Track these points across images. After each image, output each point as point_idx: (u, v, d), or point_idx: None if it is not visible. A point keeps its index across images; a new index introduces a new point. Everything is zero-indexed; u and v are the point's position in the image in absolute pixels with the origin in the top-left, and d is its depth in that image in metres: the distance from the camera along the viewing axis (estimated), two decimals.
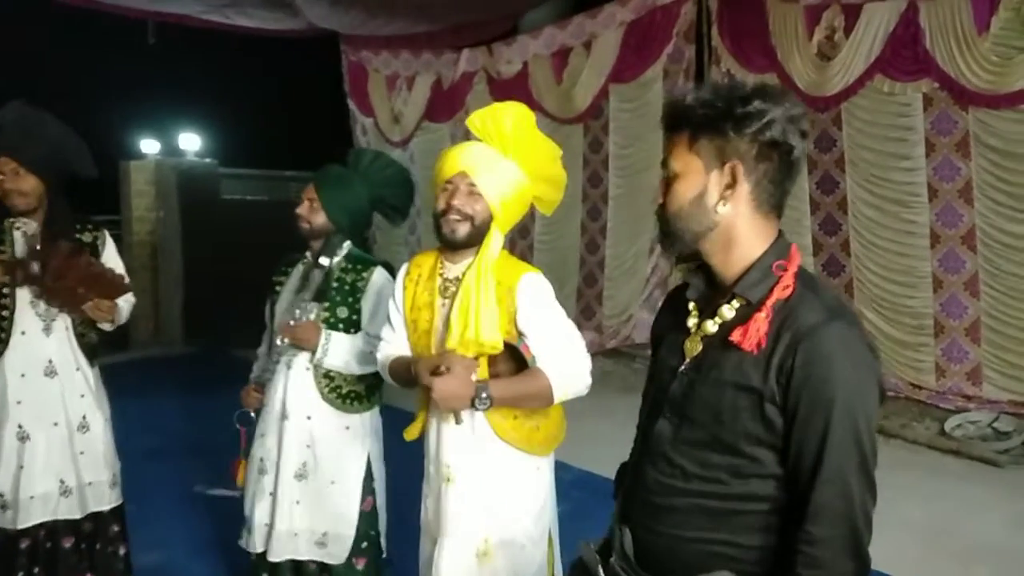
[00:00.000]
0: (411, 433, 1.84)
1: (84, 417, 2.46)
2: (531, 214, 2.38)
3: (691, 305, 1.18)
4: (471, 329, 1.68)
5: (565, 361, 1.72)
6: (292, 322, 2.18)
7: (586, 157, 6.54)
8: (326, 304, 2.20)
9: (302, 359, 2.22)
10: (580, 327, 1.88)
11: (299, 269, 2.34)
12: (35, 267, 2.33)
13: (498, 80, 7.11)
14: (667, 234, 1.14)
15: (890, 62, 4.67)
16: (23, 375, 2.36)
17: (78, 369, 2.45)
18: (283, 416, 2.23)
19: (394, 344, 1.91)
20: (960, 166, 4.52)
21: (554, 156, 1.81)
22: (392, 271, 2.26)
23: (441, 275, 1.81)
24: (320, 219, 2.24)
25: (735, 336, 1.06)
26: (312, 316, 2.19)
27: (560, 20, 6.63)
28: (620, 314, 6.41)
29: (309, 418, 2.22)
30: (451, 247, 1.78)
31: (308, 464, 2.22)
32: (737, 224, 1.10)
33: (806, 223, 5.24)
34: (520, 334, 1.73)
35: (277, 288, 2.36)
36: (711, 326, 1.13)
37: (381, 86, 8.15)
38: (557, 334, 1.74)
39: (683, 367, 1.15)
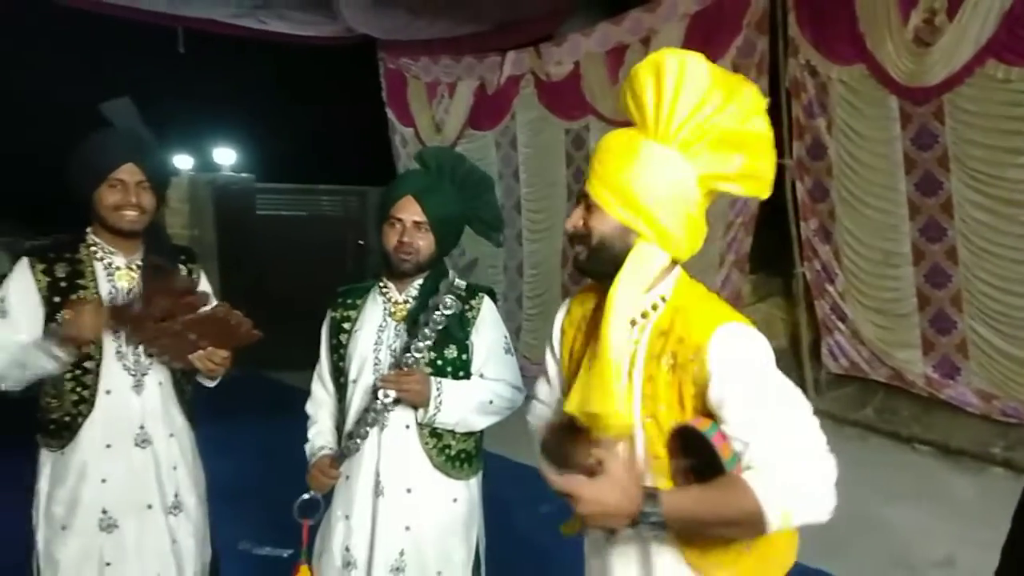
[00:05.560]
0: (569, 528, 1.33)
1: (176, 495, 1.96)
2: None
3: None
4: (585, 397, 1.18)
5: (785, 466, 1.11)
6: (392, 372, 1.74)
7: None
8: (428, 344, 1.74)
9: (400, 416, 1.76)
10: None
11: (376, 302, 1.86)
12: (137, 306, 1.82)
13: (547, 82, 6.67)
14: None
15: (1005, 44, 4.10)
16: (109, 446, 1.86)
17: (172, 435, 1.95)
18: (377, 492, 1.76)
19: (549, 405, 1.45)
20: None
21: (748, 109, 1.20)
22: (495, 299, 1.85)
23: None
24: (430, 245, 1.78)
25: None
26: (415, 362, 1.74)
27: (614, 16, 6.18)
28: None
29: (409, 491, 1.76)
30: (586, 276, 1.32)
31: (407, 553, 1.75)
32: None
33: (904, 229, 4.67)
34: (713, 418, 1.17)
35: (345, 326, 1.87)
36: None
37: (421, 93, 7.77)
38: (772, 420, 1.14)
39: None
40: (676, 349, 1.19)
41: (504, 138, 7.20)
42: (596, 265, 1.28)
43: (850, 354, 5.02)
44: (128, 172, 1.85)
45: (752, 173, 1.22)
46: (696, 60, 1.21)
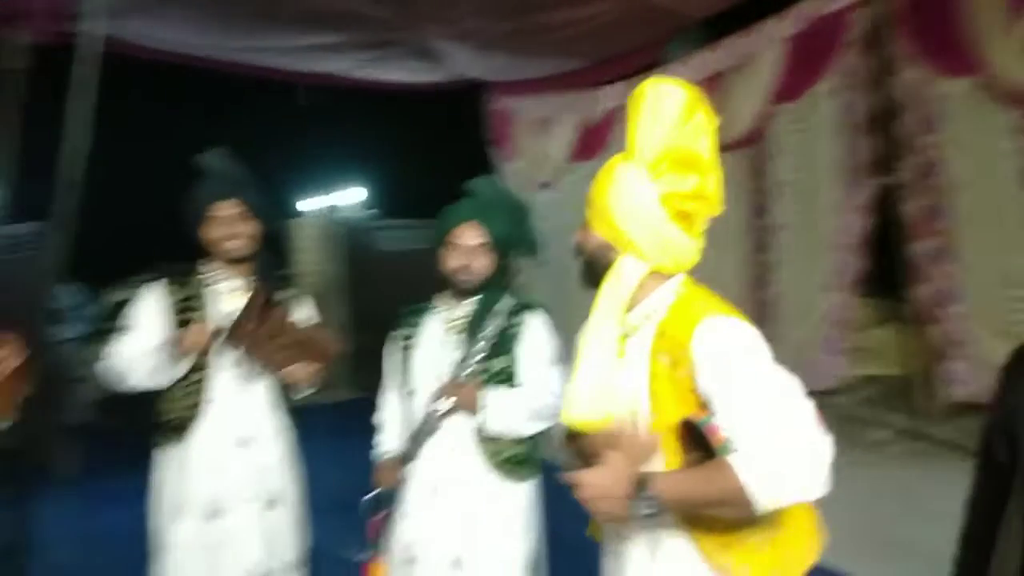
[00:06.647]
0: (594, 530, 1.45)
1: (276, 491, 2.21)
2: None
3: None
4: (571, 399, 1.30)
5: (769, 449, 1.14)
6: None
7: (748, 184, 5.98)
8: (480, 357, 1.92)
9: (458, 421, 1.93)
10: None
11: (438, 319, 2.05)
12: (247, 324, 2.12)
13: None
14: None
15: None
16: (216, 444, 2.13)
17: (273, 436, 2.22)
18: (436, 492, 1.93)
19: None
20: None
21: (698, 129, 1.29)
22: (549, 314, 1.99)
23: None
24: (489, 265, 1.96)
25: None
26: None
27: (710, 44, 6.18)
28: (793, 358, 5.71)
29: (466, 491, 1.91)
30: (587, 288, 1.44)
31: (464, 550, 1.89)
32: None
33: None
34: (708, 410, 1.24)
35: (407, 342, 2.08)
36: None
37: (525, 130, 8.05)
38: (757, 406, 1.17)
39: None
40: (670, 347, 1.28)
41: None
42: (590, 277, 1.40)
43: (971, 380, 4.70)
44: (223, 207, 2.15)
45: (703, 193, 1.31)
46: (671, 87, 1.30)
